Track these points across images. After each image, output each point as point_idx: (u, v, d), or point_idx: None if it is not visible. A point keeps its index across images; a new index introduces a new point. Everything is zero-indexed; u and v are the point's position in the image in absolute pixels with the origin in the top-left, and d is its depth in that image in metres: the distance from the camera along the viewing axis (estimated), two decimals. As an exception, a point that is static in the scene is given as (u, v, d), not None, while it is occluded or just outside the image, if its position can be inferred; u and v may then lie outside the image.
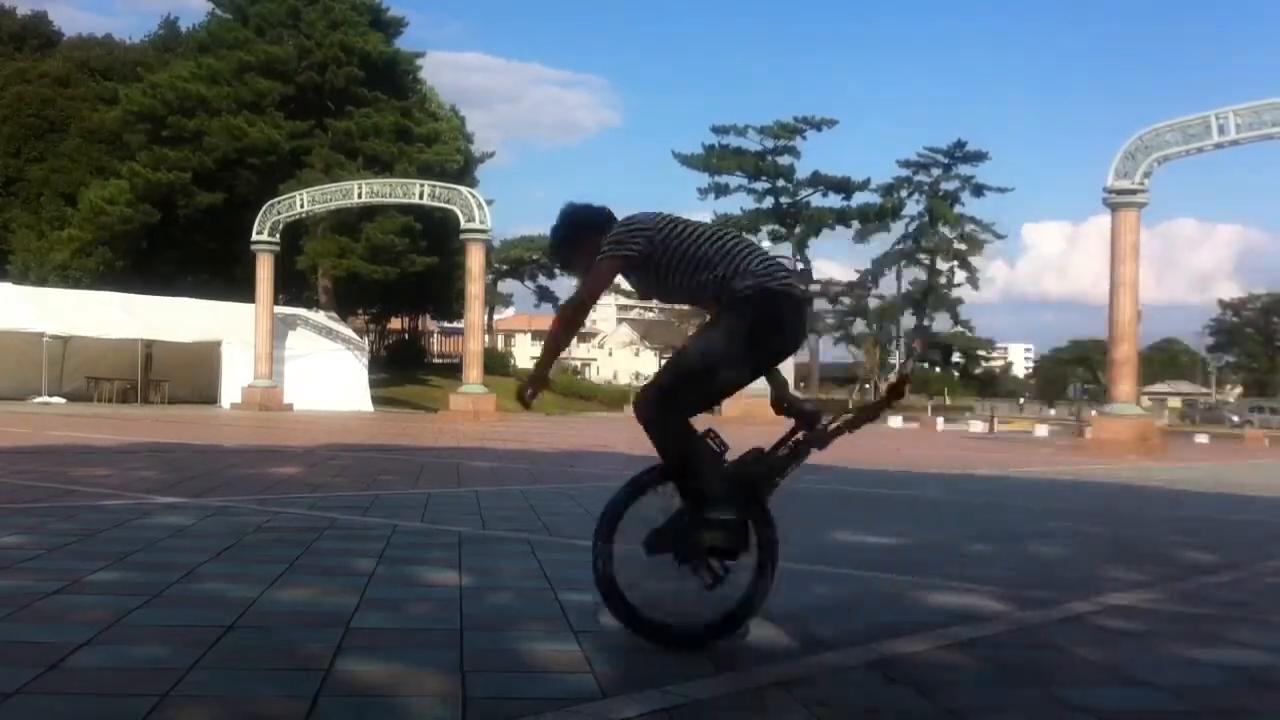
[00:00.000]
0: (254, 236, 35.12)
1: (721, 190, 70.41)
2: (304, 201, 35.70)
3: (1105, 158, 24.31)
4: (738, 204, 71.56)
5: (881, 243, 71.96)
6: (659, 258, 3.71)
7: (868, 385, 70.61)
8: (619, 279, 3.86)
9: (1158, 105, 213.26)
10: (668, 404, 3.66)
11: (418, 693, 3.04)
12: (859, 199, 70.60)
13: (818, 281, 72.83)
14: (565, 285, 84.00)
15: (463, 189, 34.64)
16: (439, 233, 42.22)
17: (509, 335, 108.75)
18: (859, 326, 75.03)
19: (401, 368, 51.05)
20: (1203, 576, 5.67)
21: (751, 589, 3.62)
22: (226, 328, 35.09)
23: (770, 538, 3.66)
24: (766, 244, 53.24)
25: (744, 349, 3.64)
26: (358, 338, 42.64)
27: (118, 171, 45.09)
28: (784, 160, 69.76)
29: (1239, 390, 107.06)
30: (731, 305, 3.64)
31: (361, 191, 35.30)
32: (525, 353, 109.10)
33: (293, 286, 44.49)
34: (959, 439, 30.20)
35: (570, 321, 3.84)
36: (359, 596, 4.33)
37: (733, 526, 3.57)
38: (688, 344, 3.88)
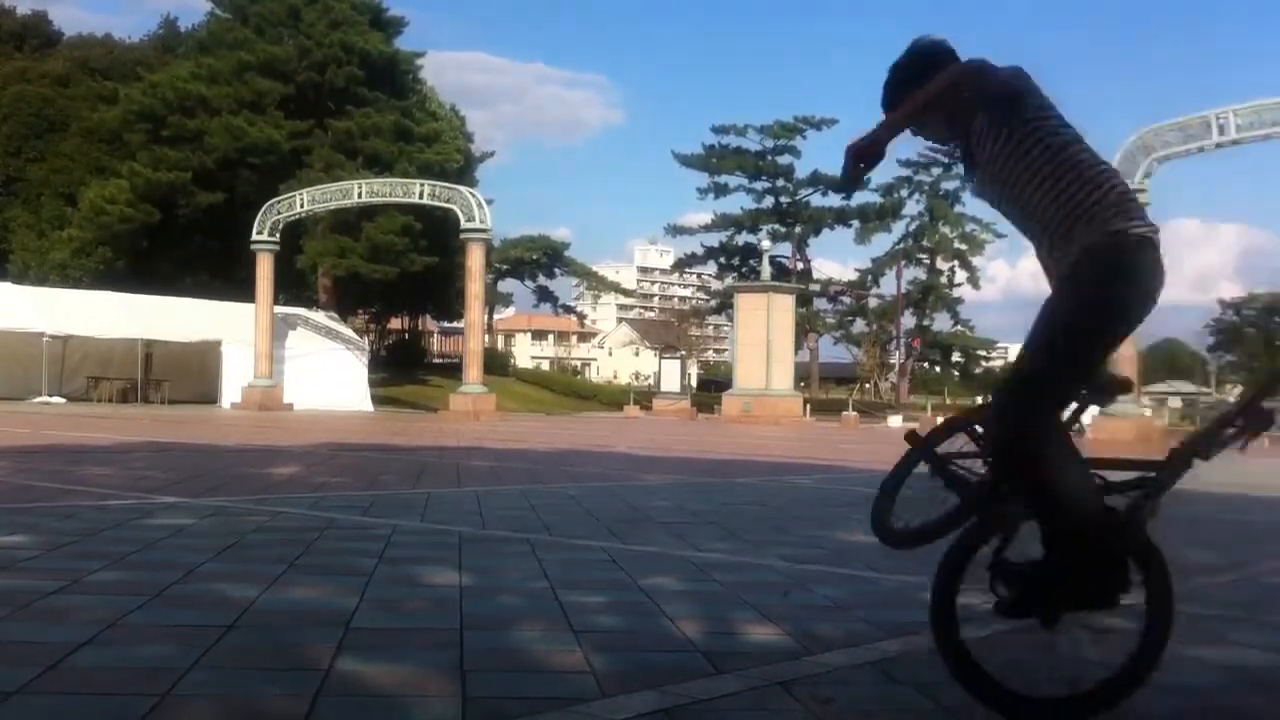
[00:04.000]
0: (254, 236, 35.12)
1: (721, 190, 70.54)
2: (304, 201, 35.71)
3: (1106, 157, 24.28)
4: (738, 203, 71.76)
5: (881, 242, 72.06)
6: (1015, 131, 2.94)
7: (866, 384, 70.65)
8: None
9: (1159, 105, 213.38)
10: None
11: (418, 692, 3.04)
12: (859, 198, 70.64)
13: (817, 281, 72.83)
14: (565, 286, 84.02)
15: (463, 188, 34.64)
16: (439, 232, 42.23)
17: (509, 335, 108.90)
18: (859, 326, 75.05)
19: (402, 367, 51.07)
20: (1203, 576, 5.66)
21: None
22: (226, 327, 35.09)
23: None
24: (766, 244, 53.14)
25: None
26: (358, 337, 42.64)
27: (118, 171, 45.12)
28: (784, 160, 69.92)
29: (1239, 390, 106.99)
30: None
31: (361, 191, 35.29)
32: (525, 352, 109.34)
33: (293, 286, 44.50)
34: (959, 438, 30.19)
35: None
36: (359, 596, 4.32)
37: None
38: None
